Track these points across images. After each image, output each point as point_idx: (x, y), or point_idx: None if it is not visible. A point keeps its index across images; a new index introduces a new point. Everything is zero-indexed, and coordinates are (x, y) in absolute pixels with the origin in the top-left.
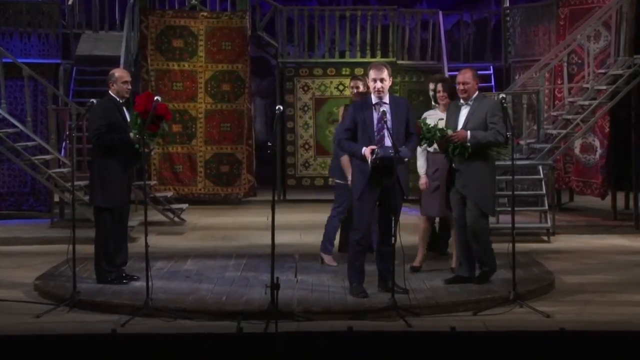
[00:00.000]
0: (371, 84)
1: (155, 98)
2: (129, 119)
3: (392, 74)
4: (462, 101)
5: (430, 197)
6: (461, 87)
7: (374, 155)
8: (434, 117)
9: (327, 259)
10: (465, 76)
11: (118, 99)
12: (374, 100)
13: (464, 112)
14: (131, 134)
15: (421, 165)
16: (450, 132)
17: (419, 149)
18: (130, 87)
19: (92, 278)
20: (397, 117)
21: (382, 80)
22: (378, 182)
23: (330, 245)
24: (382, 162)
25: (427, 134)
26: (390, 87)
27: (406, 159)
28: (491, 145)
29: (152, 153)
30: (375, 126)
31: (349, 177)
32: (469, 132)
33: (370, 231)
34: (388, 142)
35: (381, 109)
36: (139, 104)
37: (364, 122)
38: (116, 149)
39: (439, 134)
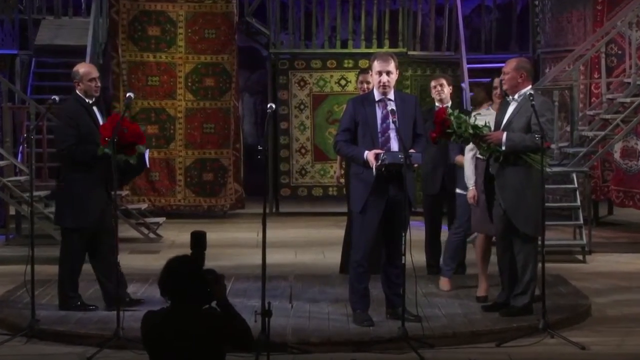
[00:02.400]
0: (375, 77)
1: (128, 95)
2: (101, 121)
3: (403, 67)
4: (509, 97)
5: (483, 211)
6: (502, 76)
7: (380, 161)
8: (489, 117)
9: (442, 282)
10: (506, 65)
11: (86, 100)
12: (377, 96)
13: (509, 110)
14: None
15: (469, 175)
16: (486, 130)
17: (468, 155)
18: (99, 84)
19: (52, 305)
20: (404, 116)
21: (388, 73)
22: (383, 192)
23: (445, 266)
24: (389, 170)
25: (457, 129)
26: (398, 80)
27: (416, 165)
28: (528, 151)
29: (146, 159)
30: (379, 126)
31: (470, 180)
32: (505, 134)
33: (373, 250)
34: (395, 144)
35: (388, 107)
36: (106, 136)
37: (365, 121)
38: (91, 163)
39: (470, 131)
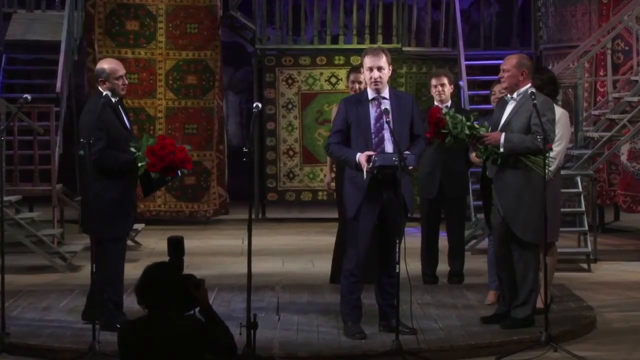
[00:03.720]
0: (366, 74)
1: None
2: (127, 123)
3: (397, 64)
4: (507, 95)
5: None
6: (502, 73)
7: (371, 164)
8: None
9: (489, 295)
10: (506, 62)
11: (112, 99)
12: (371, 94)
13: (508, 110)
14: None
15: None
16: (483, 130)
17: None
18: (126, 81)
19: (23, 317)
20: (400, 115)
21: (379, 68)
22: (377, 197)
23: (490, 278)
24: (382, 173)
25: (453, 129)
26: (392, 78)
27: (411, 167)
28: (528, 153)
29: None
30: (372, 126)
31: None
32: (503, 134)
33: (366, 258)
34: (389, 146)
35: (382, 106)
36: (154, 163)
37: (358, 121)
38: (121, 171)
39: (467, 132)
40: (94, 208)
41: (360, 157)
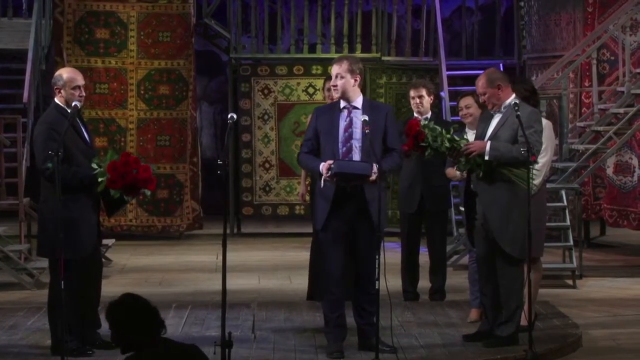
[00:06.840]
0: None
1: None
2: (87, 136)
3: (377, 73)
4: (493, 109)
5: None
6: (481, 98)
7: (329, 172)
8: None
9: (471, 313)
10: (478, 86)
11: (68, 110)
12: (342, 103)
13: (494, 122)
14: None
15: None
16: (463, 143)
17: None
18: (83, 93)
19: None
20: (371, 126)
21: (337, 75)
22: (344, 210)
23: (471, 296)
24: (347, 184)
25: (432, 142)
26: (372, 88)
27: (371, 178)
28: (516, 163)
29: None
30: (341, 135)
31: None
32: (489, 142)
33: (344, 275)
34: (357, 156)
35: (352, 116)
36: (115, 179)
37: (327, 130)
38: (79, 188)
39: (447, 144)
40: (50, 226)
41: (323, 166)
